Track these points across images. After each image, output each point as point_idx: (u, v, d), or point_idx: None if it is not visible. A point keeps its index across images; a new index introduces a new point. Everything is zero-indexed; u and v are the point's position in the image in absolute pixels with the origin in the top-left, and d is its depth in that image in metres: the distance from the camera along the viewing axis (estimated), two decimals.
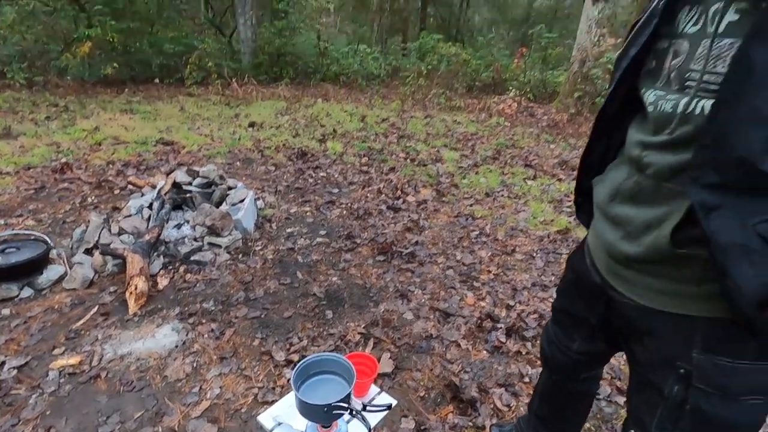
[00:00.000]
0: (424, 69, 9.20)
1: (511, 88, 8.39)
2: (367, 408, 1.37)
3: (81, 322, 2.06)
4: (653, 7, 0.79)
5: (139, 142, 4.89)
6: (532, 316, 2.20)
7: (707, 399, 0.72)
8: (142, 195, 3.09)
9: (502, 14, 16.16)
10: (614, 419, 1.65)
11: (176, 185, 2.95)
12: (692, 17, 0.72)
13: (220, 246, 2.68)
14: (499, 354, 1.96)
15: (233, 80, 8.68)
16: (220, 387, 1.73)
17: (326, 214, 3.35)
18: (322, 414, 1.24)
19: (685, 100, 0.69)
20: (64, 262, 2.47)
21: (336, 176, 4.21)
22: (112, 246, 2.45)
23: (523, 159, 4.96)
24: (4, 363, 1.79)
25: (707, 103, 0.65)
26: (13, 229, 2.82)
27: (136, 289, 2.15)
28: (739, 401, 0.71)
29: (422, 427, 1.59)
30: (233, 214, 2.85)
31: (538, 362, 1.76)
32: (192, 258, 2.57)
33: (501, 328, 2.11)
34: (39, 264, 2.34)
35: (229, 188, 3.17)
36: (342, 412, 1.26)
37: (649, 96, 0.77)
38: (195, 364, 1.84)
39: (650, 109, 0.76)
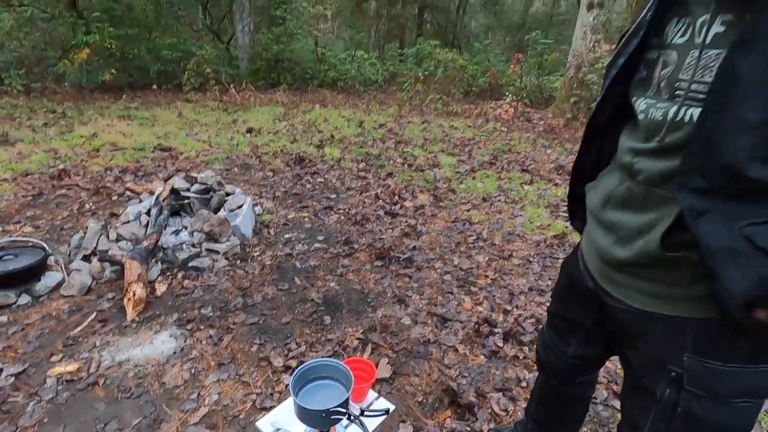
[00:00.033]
0: (421, 75, 9.26)
1: (507, 93, 8.45)
2: (365, 413, 1.37)
3: (79, 328, 2.06)
4: (641, 19, 0.81)
5: (137, 148, 4.90)
6: (529, 321, 2.22)
7: (698, 402, 0.73)
8: (140, 201, 3.10)
9: (498, 20, 16.28)
10: (611, 423, 1.66)
11: (174, 191, 2.96)
12: (680, 29, 0.74)
13: (218, 252, 2.69)
14: (497, 359, 1.97)
15: (231, 86, 8.72)
16: (219, 393, 1.73)
17: (324, 220, 3.37)
18: (320, 419, 1.25)
19: (674, 108, 0.71)
20: (61, 268, 2.47)
21: (334, 182, 4.23)
22: (110, 252, 2.46)
23: (519, 164, 4.99)
24: (1, 370, 1.79)
25: (695, 112, 0.67)
26: (10, 236, 2.82)
27: (134, 295, 2.15)
28: (729, 404, 0.73)
29: None
30: (231, 220, 2.86)
31: (535, 366, 1.77)
32: (190, 264, 2.57)
33: (498, 332, 2.12)
34: (37, 271, 2.34)
35: (227, 194, 3.18)
36: (340, 417, 1.27)
37: (640, 104, 0.79)
38: (193, 371, 1.84)
39: (641, 117, 0.78)
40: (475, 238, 3.15)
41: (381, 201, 3.76)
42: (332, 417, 1.27)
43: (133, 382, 1.77)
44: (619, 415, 1.66)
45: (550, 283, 2.60)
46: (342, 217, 3.42)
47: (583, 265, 0.95)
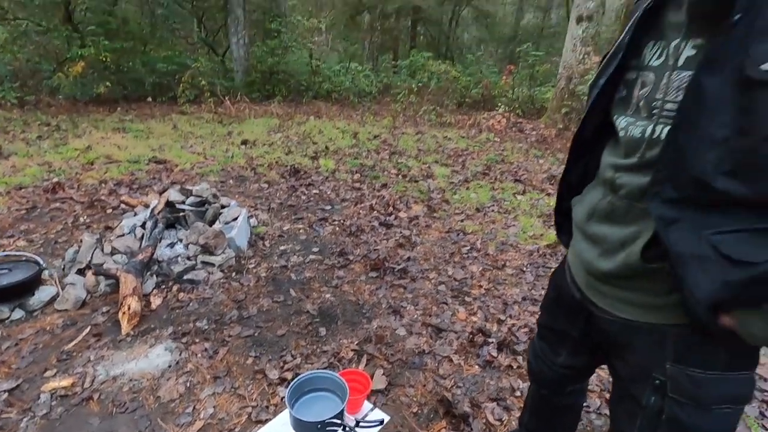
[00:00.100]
0: (415, 86, 9.39)
1: (500, 104, 8.57)
2: (360, 424, 1.38)
3: (73, 343, 2.06)
4: (620, 42, 0.85)
5: (132, 160, 4.91)
6: (523, 330, 2.24)
7: (681, 408, 0.76)
8: (135, 214, 3.10)
9: (490, 33, 16.55)
10: (604, 431, 1.68)
11: (169, 204, 2.97)
12: (656, 51, 0.78)
13: (213, 264, 2.70)
14: (491, 368, 1.99)
15: (226, 98, 8.77)
16: (214, 406, 1.73)
17: (319, 231, 3.39)
18: (315, 431, 1.26)
19: (651, 126, 0.75)
20: (56, 282, 2.47)
21: (328, 193, 4.25)
22: (105, 266, 2.46)
23: (512, 174, 5.05)
24: None
25: (667, 128, 0.71)
26: (4, 251, 2.81)
27: (129, 309, 2.15)
28: (711, 410, 0.75)
29: None
30: (226, 232, 2.87)
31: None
32: (185, 277, 2.58)
33: (492, 342, 2.14)
34: (30, 285, 2.33)
35: (222, 206, 3.20)
36: (335, 428, 1.28)
37: (621, 122, 0.83)
38: (188, 384, 1.84)
39: (621, 134, 0.82)
40: (469, 248, 3.18)
41: (375, 212, 3.79)
42: (327, 428, 1.28)
43: (128, 397, 1.76)
44: None
45: (543, 292, 2.60)
46: (337, 229, 3.44)
47: (570, 276, 0.98)
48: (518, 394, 1.83)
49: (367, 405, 1.73)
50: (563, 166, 1.04)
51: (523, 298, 2.55)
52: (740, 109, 0.61)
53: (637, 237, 0.77)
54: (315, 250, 3.08)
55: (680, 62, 0.72)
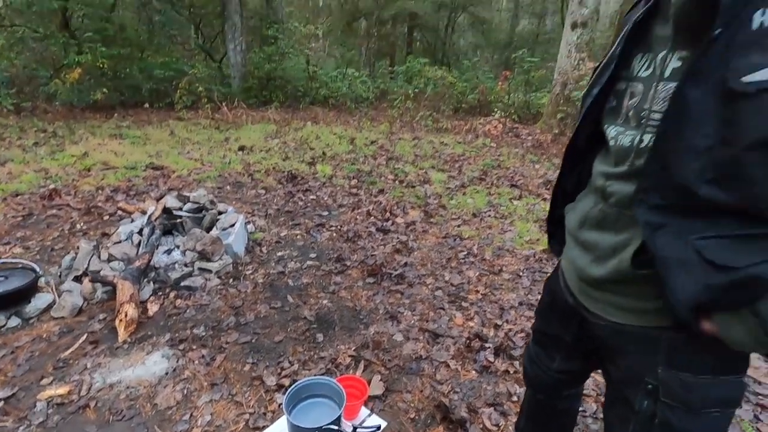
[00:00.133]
0: (412, 92, 9.43)
1: (496, 109, 8.63)
2: (357, 430, 1.39)
3: (69, 351, 2.05)
4: (612, 53, 0.87)
5: (129, 167, 4.90)
6: (520, 335, 2.25)
7: (673, 412, 0.77)
8: (132, 221, 3.10)
9: (486, 39, 16.66)
10: None
11: (166, 210, 2.97)
12: (645, 63, 0.80)
13: (210, 271, 2.70)
14: (488, 373, 2.00)
15: (223, 104, 8.79)
16: (211, 414, 1.73)
17: (316, 237, 3.39)
18: None
19: (639, 135, 0.77)
20: (52, 290, 2.46)
21: (326, 199, 4.27)
22: (101, 273, 2.46)
23: (509, 179, 5.08)
24: None
25: (653, 137, 0.73)
26: (0, 258, 2.81)
27: (126, 316, 2.15)
28: (701, 414, 0.77)
29: None
30: (224, 238, 2.87)
31: None
32: (182, 283, 2.58)
33: (489, 347, 2.15)
34: (27, 293, 2.33)
35: (220, 213, 3.21)
36: None
37: (611, 131, 0.85)
38: (185, 391, 1.84)
39: (611, 143, 0.84)
40: (465, 253, 3.19)
41: (373, 218, 3.80)
42: None
43: (125, 404, 1.76)
44: None
45: (539, 297, 2.63)
46: (334, 234, 3.45)
47: (564, 282, 1.00)
48: (515, 398, 1.84)
49: (364, 411, 1.73)
50: (559, 172, 1.05)
51: (520, 303, 2.56)
52: (723, 119, 0.63)
53: (627, 244, 0.78)
54: (312, 256, 3.09)
55: (666, 73, 0.74)
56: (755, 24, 0.60)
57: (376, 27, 15.51)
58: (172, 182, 4.52)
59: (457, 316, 2.43)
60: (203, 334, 2.21)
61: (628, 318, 0.82)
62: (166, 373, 1.94)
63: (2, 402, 1.74)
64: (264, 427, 1.65)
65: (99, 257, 2.64)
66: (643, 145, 0.76)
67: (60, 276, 2.62)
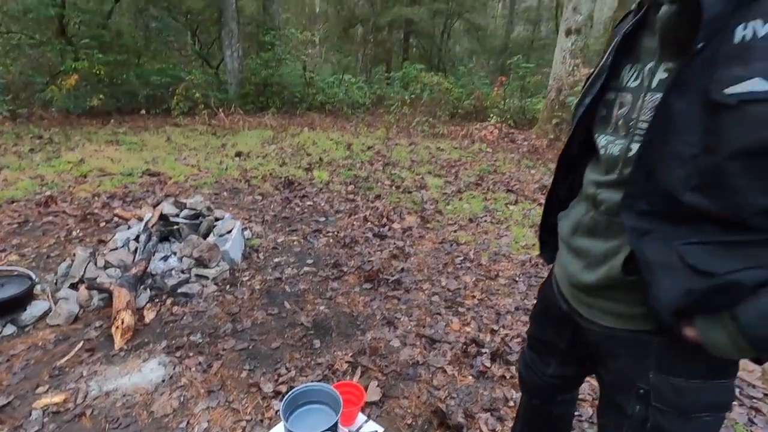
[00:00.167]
0: (408, 97, 9.49)
1: (492, 115, 8.68)
2: None
3: (65, 358, 2.05)
4: (603, 64, 0.89)
5: (125, 173, 4.91)
6: (516, 340, 2.26)
7: (664, 417, 0.78)
8: (129, 227, 3.10)
9: (482, 45, 16.78)
10: None
11: (163, 217, 2.98)
12: (633, 74, 0.82)
13: (207, 277, 2.70)
14: (485, 379, 2.00)
15: (220, 110, 8.81)
16: (208, 421, 1.72)
17: (313, 243, 3.40)
18: None
19: (628, 143, 0.79)
20: (48, 297, 2.46)
21: (323, 205, 4.27)
22: (98, 280, 2.45)
23: (504, 184, 5.11)
24: None
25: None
26: None
27: (122, 323, 2.15)
28: (692, 418, 0.78)
29: None
30: (221, 245, 2.88)
31: None
32: (179, 290, 2.58)
33: (486, 352, 2.15)
34: (23, 300, 2.32)
35: (217, 219, 3.21)
36: None
37: (601, 140, 0.87)
38: (182, 399, 1.83)
39: (602, 151, 0.86)
40: (462, 258, 3.21)
41: (369, 223, 3.81)
42: None
43: (121, 412, 1.76)
44: None
45: (535, 302, 2.65)
46: (331, 240, 3.46)
47: (557, 288, 1.01)
48: (511, 404, 1.85)
49: (361, 417, 1.73)
50: (552, 179, 1.07)
51: (516, 308, 2.57)
52: (706, 129, 0.65)
53: (618, 251, 0.80)
54: (309, 261, 3.09)
55: (654, 84, 0.76)
56: (737, 38, 0.62)
57: (372, 33, 15.61)
58: (168, 188, 4.52)
59: (454, 321, 2.44)
60: (200, 341, 2.21)
61: (618, 322, 0.83)
62: (163, 381, 1.93)
63: None
64: None
65: (95, 264, 2.63)
66: (631, 153, 0.77)
67: (56, 283, 2.61)
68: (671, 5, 0.71)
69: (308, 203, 4.30)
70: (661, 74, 0.75)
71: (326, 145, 6.84)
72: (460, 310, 2.55)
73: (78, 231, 3.43)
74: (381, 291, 2.73)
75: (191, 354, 2.11)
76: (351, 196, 4.54)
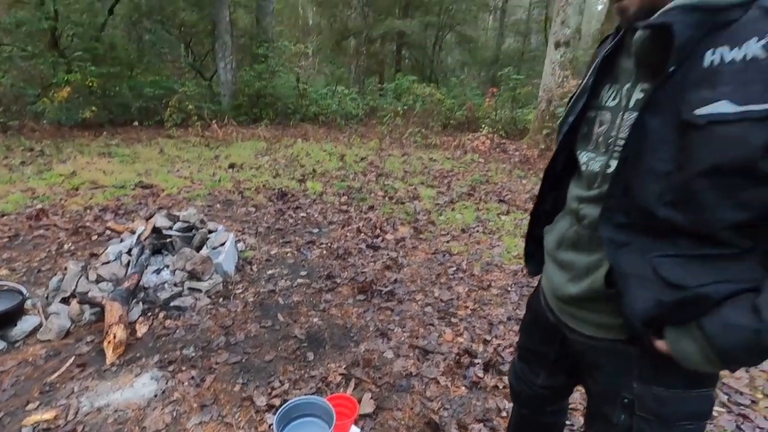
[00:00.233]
0: (401, 109, 9.58)
1: (483, 125, 8.79)
2: None
3: (56, 374, 2.03)
4: (585, 83, 0.93)
5: (118, 186, 4.89)
6: (508, 350, 2.28)
7: (648, 425, 0.81)
8: (121, 241, 3.09)
9: (473, 56, 17.04)
10: None
11: (156, 230, 2.97)
12: (612, 93, 0.86)
13: (200, 290, 2.69)
14: (477, 389, 2.01)
15: (213, 122, 8.83)
16: None
17: (307, 255, 3.41)
18: None
19: (607, 160, 0.82)
20: (39, 312, 2.44)
21: (316, 216, 4.29)
22: (90, 294, 2.44)
23: (497, 194, 5.17)
24: None
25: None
26: None
27: (114, 338, 2.13)
28: (674, 427, 0.80)
29: None
30: (214, 257, 2.88)
31: None
32: (172, 304, 2.57)
33: (478, 363, 2.17)
34: (13, 315, 2.30)
35: (210, 231, 3.21)
36: None
37: (583, 157, 0.91)
38: (175, 414, 1.82)
39: (583, 168, 0.89)
40: (454, 269, 3.23)
41: (363, 234, 3.83)
42: None
43: (113, 428, 1.74)
44: None
45: (525, 312, 2.67)
46: (324, 252, 3.47)
47: (544, 300, 1.04)
48: (504, 414, 1.86)
49: (354, 429, 1.74)
50: (537, 194, 1.10)
51: (508, 318, 2.60)
52: (679, 147, 0.68)
53: (600, 264, 0.83)
54: (303, 273, 3.10)
55: (631, 104, 0.80)
56: (706, 62, 0.66)
57: (365, 45, 15.79)
58: (161, 201, 4.52)
59: (447, 332, 2.45)
60: (193, 354, 2.20)
61: (600, 332, 0.87)
62: (155, 396, 1.92)
63: None
64: None
65: (87, 278, 2.62)
66: (610, 170, 0.81)
67: (47, 298, 2.59)
68: (645, 30, 0.75)
69: (302, 215, 4.31)
70: (637, 94, 0.79)
71: (319, 156, 6.88)
72: (453, 320, 2.57)
73: (69, 244, 3.41)
74: (374, 302, 2.74)
75: (184, 368, 2.10)
76: (344, 207, 4.56)
